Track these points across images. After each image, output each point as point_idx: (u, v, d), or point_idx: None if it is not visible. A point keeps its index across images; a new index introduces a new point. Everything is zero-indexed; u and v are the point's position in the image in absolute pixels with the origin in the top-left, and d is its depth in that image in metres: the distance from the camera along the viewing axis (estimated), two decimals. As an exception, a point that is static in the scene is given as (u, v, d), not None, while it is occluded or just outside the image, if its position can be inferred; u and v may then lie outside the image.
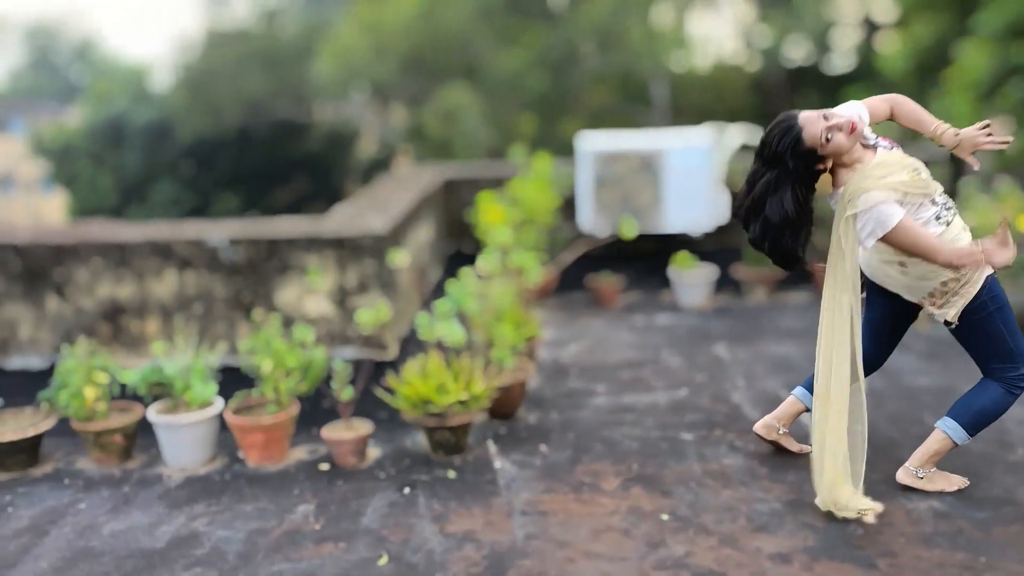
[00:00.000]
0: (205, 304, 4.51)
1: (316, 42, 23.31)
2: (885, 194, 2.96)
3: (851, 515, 3.07)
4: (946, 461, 3.40)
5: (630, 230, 5.72)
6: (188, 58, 26.46)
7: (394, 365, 4.44)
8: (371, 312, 3.69)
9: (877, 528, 3.06)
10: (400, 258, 3.71)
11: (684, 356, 5.21)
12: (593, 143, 6.69)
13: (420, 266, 5.87)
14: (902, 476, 3.34)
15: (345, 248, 4.45)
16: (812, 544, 2.98)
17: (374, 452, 3.92)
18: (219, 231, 4.54)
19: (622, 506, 3.32)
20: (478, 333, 4.02)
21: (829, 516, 3.13)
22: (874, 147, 3.13)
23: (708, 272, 6.46)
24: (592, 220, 6.67)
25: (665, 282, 6.74)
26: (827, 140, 2.97)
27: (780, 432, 3.64)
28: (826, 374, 3.15)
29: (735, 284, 6.74)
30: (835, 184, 3.12)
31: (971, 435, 3.24)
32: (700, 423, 4.13)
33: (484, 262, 4.96)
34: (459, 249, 7.26)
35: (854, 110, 3.15)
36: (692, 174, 6.49)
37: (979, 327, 3.16)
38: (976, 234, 5.21)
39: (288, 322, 4.46)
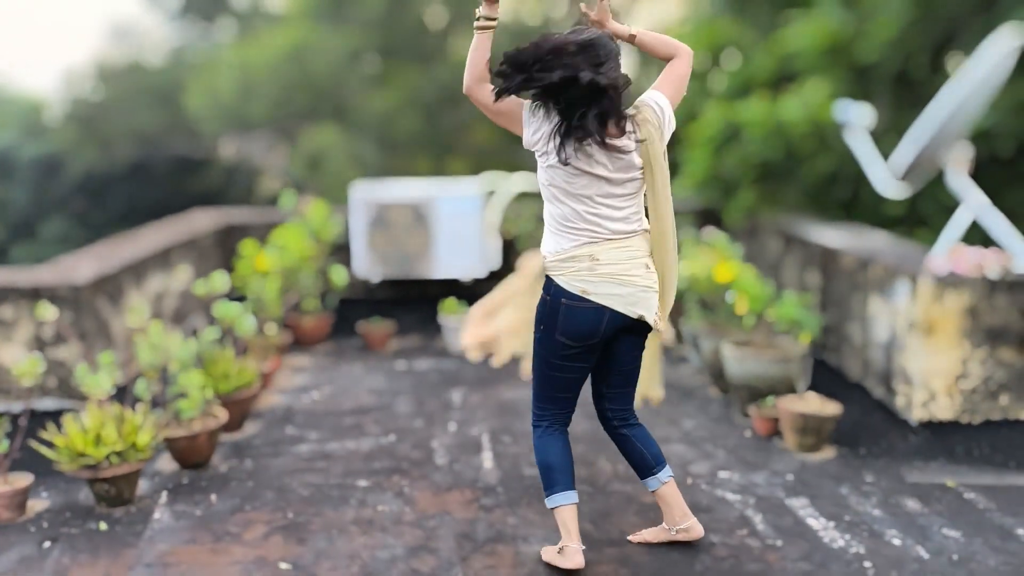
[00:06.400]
0: None
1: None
2: None
3: None
4: (607, 499, 3.57)
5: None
6: (77, 91, 25.90)
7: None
8: (25, 364, 3.69)
9: (476, 571, 3.20)
10: (48, 312, 3.73)
11: (417, 402, 5.33)
12: (365, 192, 6.83)
13: (167, 313, 5.88)
14: None
15: (41, 298, 4.45)
16: (403, 589, 3.10)
17: (41, 504, 3.89)
18: (-91, 281, 4.49)
19: (250, 555, 3.38)
20: (153, 384, 4.05)
21: (440, 563, 3.26)
22: None
23: (475, 318, 6.62)
24: (367, 266, 6.79)
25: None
26: None
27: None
28: None
29: (508, 329, 6.91)
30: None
31: (547, 491, 3.12)
32: (384, 469, 4.23)
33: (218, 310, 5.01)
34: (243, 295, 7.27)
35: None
36: (462, 222, 6.68)
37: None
38: (688, 282, 5.48)
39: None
